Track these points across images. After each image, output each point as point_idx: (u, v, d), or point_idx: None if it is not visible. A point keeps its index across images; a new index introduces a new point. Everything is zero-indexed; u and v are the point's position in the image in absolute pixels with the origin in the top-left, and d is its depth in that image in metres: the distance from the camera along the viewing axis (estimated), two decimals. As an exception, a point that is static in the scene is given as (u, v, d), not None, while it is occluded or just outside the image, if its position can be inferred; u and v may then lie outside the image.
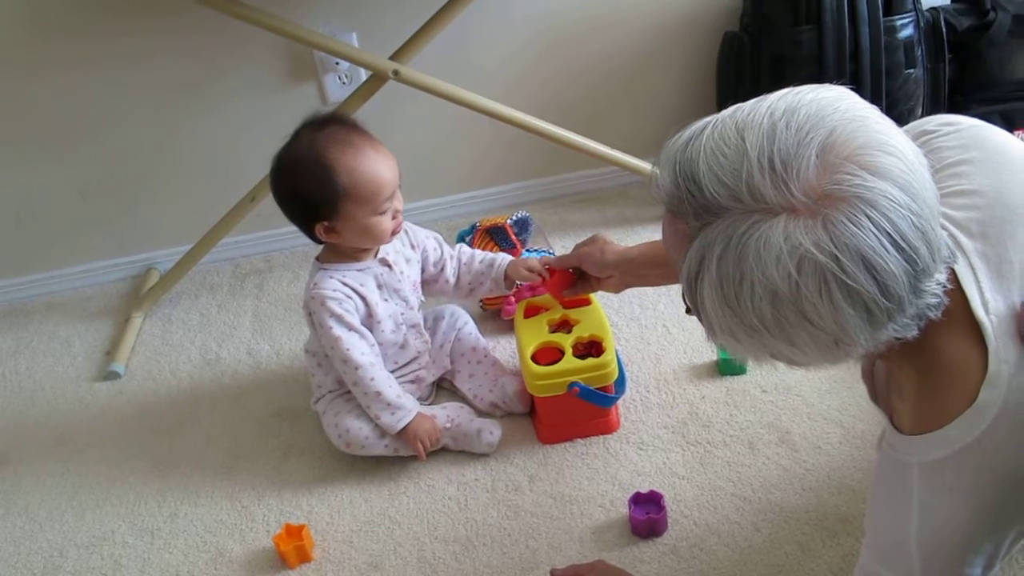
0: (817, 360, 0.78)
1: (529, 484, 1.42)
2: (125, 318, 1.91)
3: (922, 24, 1.79)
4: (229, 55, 1.84)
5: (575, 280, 1.47)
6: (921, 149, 0.76)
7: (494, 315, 1.74)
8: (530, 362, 1.43)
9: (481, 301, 1.73)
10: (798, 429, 1.44)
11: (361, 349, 1.42)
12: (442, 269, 1.56)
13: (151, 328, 1.90)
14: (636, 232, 1.94)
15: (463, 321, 1.64)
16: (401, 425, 1.42)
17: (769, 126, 0.73)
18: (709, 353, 1.60)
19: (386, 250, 1.48)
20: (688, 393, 1.53)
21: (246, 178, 1.76)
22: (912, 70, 1.79)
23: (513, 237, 1.83)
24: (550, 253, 1.78)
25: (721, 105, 0.94)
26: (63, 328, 1.95)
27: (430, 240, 1.57)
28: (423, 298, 1.57)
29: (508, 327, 1.70)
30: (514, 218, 1.86)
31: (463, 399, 1.58)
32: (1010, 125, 1.83)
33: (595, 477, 1.41)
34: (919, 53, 1.80)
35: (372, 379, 1.41)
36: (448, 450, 1.49)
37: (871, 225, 0.69)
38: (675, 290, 0.84)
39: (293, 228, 1.42)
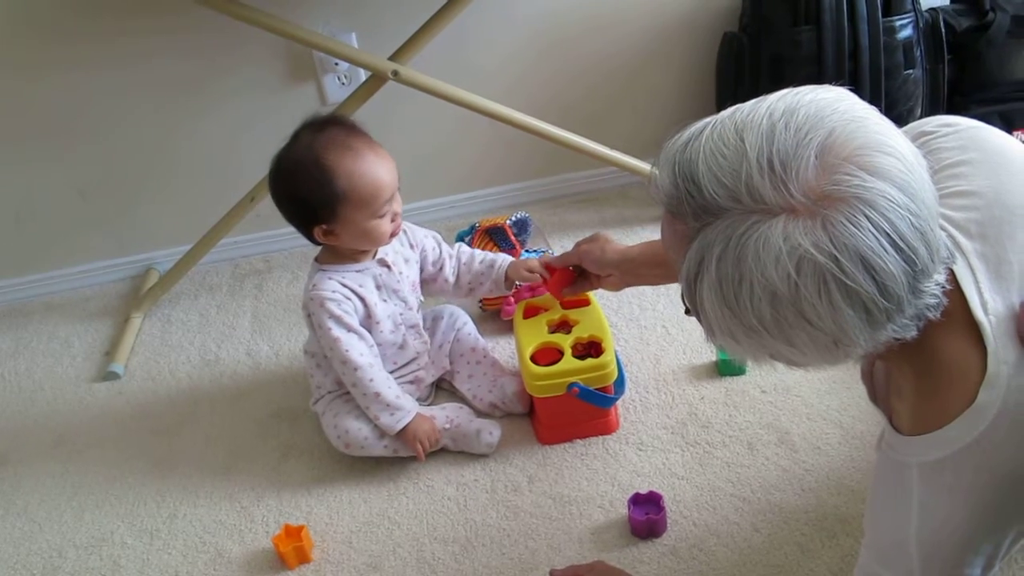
0: (816, 361, 0.78)
1: (528, 485, 1.42)
2: (124, 318, 1.91)
3: (921, 24, 1.80)
4: (229, 55, 1.84)
5: (575, 278, 1.47)
6: (920, 150, 0.76)
7: (493, 315, 1.74)
8: (529, 362, 1.43)
9: (480, 301, 1.73)
10: (797, 430, 1.44)
11: (360, 350, 1.42)
12: (441, 268, 1.56)
13: (150, 328, 1.89)
14: (635, 232, 1.94)
15: (462, 321, 1.64)
16: (400, 426, 1.42)
17: (768, 127, 0.73)
18: (708, 354, 1.59)
19: (385, 251, 1.48)
20: (687, 394, 1.53)
21: (246, 178, 1.76)
22: (911, 70, 1.79)
23: (512, 238, 1.83)
24: (550, 253, 1.78)
25: (720, 105, 0.94)
26: (62, 328, 1.95)
27: (429, 239, 1.57)
28: (422, 298, 1.57)
29: (507, 327, 1.70)
30: (513, 219, 1.86)
31: (462, 400, 1.58)
32: (1009, 126, 1.83)
33: (594, 478, 1.41)
34: (918, 53, 1.80)
35: (371, 380, 1.41)
36: (447, 451, 1.48)
37: (870, 225, 0.70)
38: (674, 290, 0.84)
39: (292, 229, 1.42)
